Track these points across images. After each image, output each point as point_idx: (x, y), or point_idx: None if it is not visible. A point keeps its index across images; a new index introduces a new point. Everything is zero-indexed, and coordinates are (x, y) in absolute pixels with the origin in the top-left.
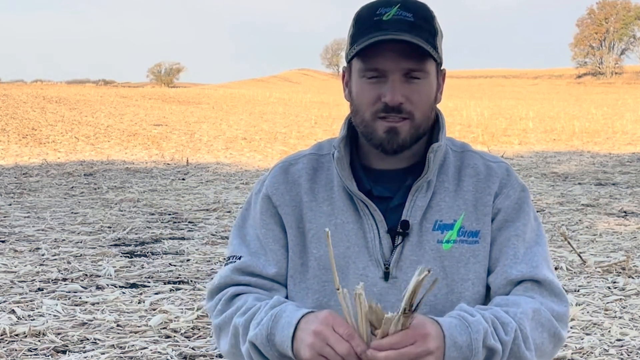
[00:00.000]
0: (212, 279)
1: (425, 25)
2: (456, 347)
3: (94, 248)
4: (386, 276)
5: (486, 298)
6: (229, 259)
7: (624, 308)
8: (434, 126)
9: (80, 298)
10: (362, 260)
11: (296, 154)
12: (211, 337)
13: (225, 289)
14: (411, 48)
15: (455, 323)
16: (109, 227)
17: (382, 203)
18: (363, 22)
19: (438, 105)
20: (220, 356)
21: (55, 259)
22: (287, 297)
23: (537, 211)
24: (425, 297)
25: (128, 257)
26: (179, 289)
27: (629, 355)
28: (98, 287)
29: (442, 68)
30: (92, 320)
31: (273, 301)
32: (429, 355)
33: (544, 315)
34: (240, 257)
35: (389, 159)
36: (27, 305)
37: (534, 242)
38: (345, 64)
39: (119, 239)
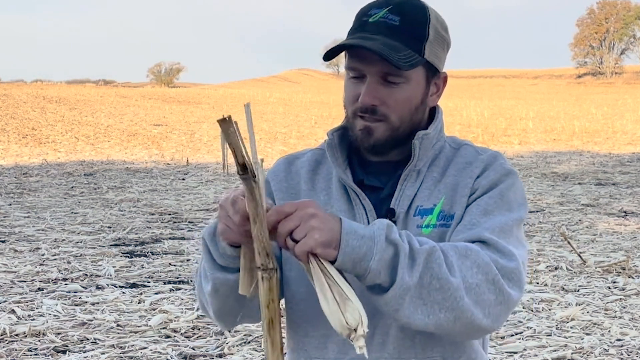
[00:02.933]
0: None
1: (412, 30)
2: (353, 233)
3: (94, 248)
4: None
5: None
6: None
7: (624, 308)
8: (430, 122)
9: (80, 298)
10: None
11: (303, 150)
12: (211, 337)
13: None
14: (387, 53)
15: (360, 224)
16: (109, 227)
17: (373, 193)
18: (356, 20)
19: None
20: (220, 356)
21: (55, 259)
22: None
23: (537, 211)
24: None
25: (128, 257)
26: (179, 289)
27: (629, 355)
28: (98, 287)
29: (439, 72)
30: (92, 320)
31: None
32: (308, 221)
33: (482, 257)
34: None
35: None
36: (27, 305)
37: (498, 213)
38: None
39: (119, 239)
